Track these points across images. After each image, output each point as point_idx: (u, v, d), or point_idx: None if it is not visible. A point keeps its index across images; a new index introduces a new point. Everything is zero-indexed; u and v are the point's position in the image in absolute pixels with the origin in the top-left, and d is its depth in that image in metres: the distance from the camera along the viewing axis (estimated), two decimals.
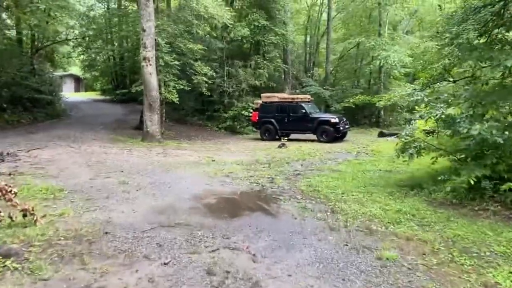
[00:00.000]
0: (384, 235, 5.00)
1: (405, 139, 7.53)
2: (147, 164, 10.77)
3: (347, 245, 4.70)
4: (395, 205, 6.35)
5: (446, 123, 7.28)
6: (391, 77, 26.52)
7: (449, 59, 6.62)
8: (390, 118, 26.91)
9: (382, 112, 25.57)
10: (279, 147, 14.94)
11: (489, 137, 5.72)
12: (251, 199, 7.16)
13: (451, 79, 8.04)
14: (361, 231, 5.21)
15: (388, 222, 5.48)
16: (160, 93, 17.60)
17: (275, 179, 8.80)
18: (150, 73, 15.04)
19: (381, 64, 23.79)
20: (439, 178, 6.99)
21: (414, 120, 22.80)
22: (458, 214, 5.81)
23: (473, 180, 5.96)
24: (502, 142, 5.68)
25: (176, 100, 17.59)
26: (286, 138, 15.92)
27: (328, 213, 6.05)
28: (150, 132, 15.26)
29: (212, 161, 11.57)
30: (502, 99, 6.19)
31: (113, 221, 5.71)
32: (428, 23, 31.81)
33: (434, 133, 14.91)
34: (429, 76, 8.93)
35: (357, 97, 17.61)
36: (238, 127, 21.73)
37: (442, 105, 6.87)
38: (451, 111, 6.21)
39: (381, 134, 19.85)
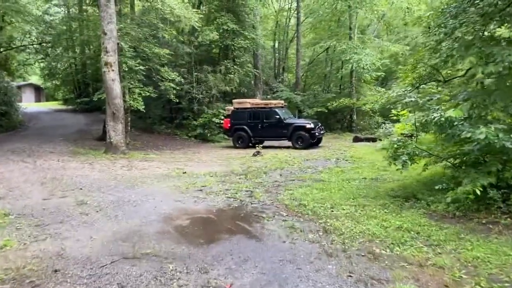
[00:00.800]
0: (391, 261, 4.25)
1: (396, 145, 6.86)
2: (110, 179, 9.70)
3: (351, 276, 3.91)
4: (394, 220, 5.64)
5: (440, 126, 6.69)
6: (362, 81, 26.32)
7: (444, 57, 6.01)
8: (362, 122, 26.64)
9: (354, 117, 25.27)
10: (254, 155, 14.13)
11: (496, 141, 5.11)
12: (230, 218, 6.28)
13: (441, 79, 7.46)
14: (363, 255, 4.44)
15: (392, 243, 4.74)
16: (125, 101, 16.47)
17: (254, 192, 7.96)
18: (113, 79, 13.92)
19: (353, 68, 23.48)
20: (437, 187, 6.37)
21: (385, 123, 22.49)
22: (466, 229, 5.14)
23: (479, 190, 5.34)
24: (511, 146, 5.07)
25: (142, 108, 16.48)
26: (261, 146, 15.14)
27: (321, 233, 5.26)
28: (114, 143, 14.10)
29: (183, 173, 10.62)
30: (505, 99, 5.61)
31: (66, 254, 4.72)
32: (395, 27, 32.03)
33: (413, 137, 14.53)
34: (416, 77, 8.37)
35: (340, 100, 16.20)
36: (209, 135, 20.78)
37: (437, 107, 6.26)
38: (451, 113, 5.58)
39: (356, 139, 19.42)
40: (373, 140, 18.98)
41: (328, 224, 5.60)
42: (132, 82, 16.06)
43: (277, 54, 34.85)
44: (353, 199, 7.05)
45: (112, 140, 14.13)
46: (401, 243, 4.73)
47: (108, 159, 13.16)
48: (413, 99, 6.42)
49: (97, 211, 6.70)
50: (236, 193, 7.85)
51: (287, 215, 6.22)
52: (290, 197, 7.38)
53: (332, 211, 6.32)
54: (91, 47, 27.45)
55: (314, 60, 30.81)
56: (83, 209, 6.85)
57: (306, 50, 31.11)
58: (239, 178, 9.65)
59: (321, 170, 10.58)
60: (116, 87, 13.95)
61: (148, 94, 17.40)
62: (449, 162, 6.94)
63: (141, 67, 15.98)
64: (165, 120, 22.64)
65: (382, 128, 22.82)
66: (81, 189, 8.53)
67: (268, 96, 25.77)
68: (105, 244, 5.07)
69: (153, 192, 8.17)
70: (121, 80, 14.91)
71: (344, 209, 6.37)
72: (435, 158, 7.12)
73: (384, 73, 26.68)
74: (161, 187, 8.68)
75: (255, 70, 23.00)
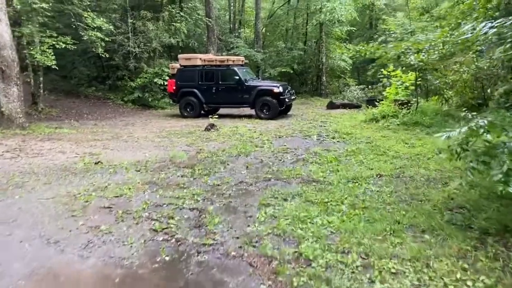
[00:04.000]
0: None
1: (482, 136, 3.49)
2: None
3: None
4: None
5: None
6: (332, 36, 22.81)
7: None
8: (331, 85, 23.44)
9: (324, 78, 21.89)
10: (207, 129, 10.50)
11: None
12: None
13: None
14: None
15: None
16: (30, 54, 12.18)
17: (204, 213, 4.45)
18: None
19: (323, 20, 19.86)
20: None
21: (349, 85, 19.40)
22: None
23: None
24: None
25: (51, 63, 12.23)
26: (216, 116, 11.49)
27: None
28: (6, 114, 9.90)
29: (95, 163, 6.87)
30: None
31: None
32: None
33: (408, 105, 11.40)
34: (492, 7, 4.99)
35: (365, 47, 10.07)
36: (150, 99, 16.69)
37: None
38: None
39: (331, 105, 16.10)
40: (352, 106, 15.80)
41: None
42: (31, 27, 11.61)
43: (232, 7, 30.45)
44: (394, 235, 3.70)
45: (3, 109, 9.93)
46: None
47: None
48: None
49: None
50: (172, 216, 4.31)
51: None
52: (273, 229, 3.91)
53: (372, 283, 2.94)
54: None
55: (275, 13, 26.85)
56: None
57: (265, 2, 27.01)
58: (182, 176, 6.06)
59: (305, 157, 7.17)
60: (3, 31, 9.59)
61: (64, 45, 13.13)
62: None
63: (44, 5, 11.47)
64: (97, 80, 18.22)
65: (347, 92, 19.83)
66: None
67: (224, 53, 21.75)
68: None
69: (21, 212, 4.47)
70: (16, 24, 10.55)
71: (395, 277, 3.01)
72: None
73: (355, 29, 23.39)
74: (42, 198, 4.96)
75: (207, 19, 18.75)
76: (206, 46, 20.51)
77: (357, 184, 5.39)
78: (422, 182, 5.42)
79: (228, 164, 6.76)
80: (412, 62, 5.42)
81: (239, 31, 26.89)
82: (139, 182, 5.72)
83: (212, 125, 10.60)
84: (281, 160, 7.04)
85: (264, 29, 27.48)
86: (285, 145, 8.35)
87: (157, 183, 5.70)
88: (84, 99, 16.60)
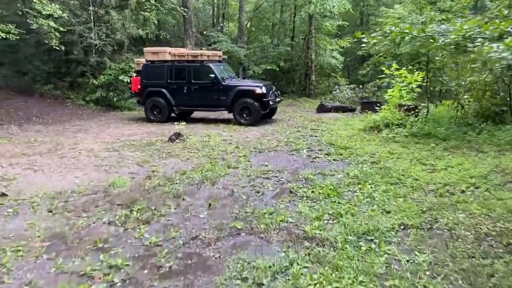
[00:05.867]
0: None
1: None
2: None
3: None
4: None
5: None
6: (322, 31, 20.89)
7: None
8: (320, 84, 21.55)
9: (313, 77, 19.92)
10: (171, 140, 8.48)
11: None
12: None
13: None
14: None
15: None
16: None
17: None
18: None
19: (313, 13, 17.93)
20: None
21: (339, 85, 17.57)
22: None
23: None
24: None
25: None
26: (183, 122, 9.45)
27: None
28: None
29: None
30: None
31: None
32: None
33: (416, 111, 9.56)
34: None
35: (399, 29, 7.25)
36: (115, 99, 14.54)
37: None
38: None
39: (322, 109, 14.15)
40: (345, 110, 13.95)
41: None
42: None
43: (215, 0, 28.35)
44: None
45: None
46: None
47: None
48: None
49: None
50: None
51: None
52: None
53: None
54: None
55: (260, 7, 24.86)
56: None
57: None
58: (109, 222, 4.07)
59: (292, 186, 5.21)
60: None
61: (5, 36, 11.00)
62: None
63: None
64: (56, 77, 15.95)
65: (337, 92, 18.01)
66: None
67: (203, 48, 19.69)
68: None
69: None
70: None
71: None
72: None
73: (347, 23, 21.60)
74: None
75: (183, 8, 16.62)
76: (183, 40, 18.42)
77: (373, 245, 3.47)
78: (471, 241, 3.53)
79: (183, 199, 4.78)
80: (499, 55, 3.42)
81: (221, 25, 24.81)
82: (39, 236, 3.74)
83: (178, 135, 8.59)
84: (259, 191, 5.08)
85: (248, 23, 25.51)
86: (266, 165, 6.40)
87: (66, 237, 3.72)
88: (39, 99, 14.38)
